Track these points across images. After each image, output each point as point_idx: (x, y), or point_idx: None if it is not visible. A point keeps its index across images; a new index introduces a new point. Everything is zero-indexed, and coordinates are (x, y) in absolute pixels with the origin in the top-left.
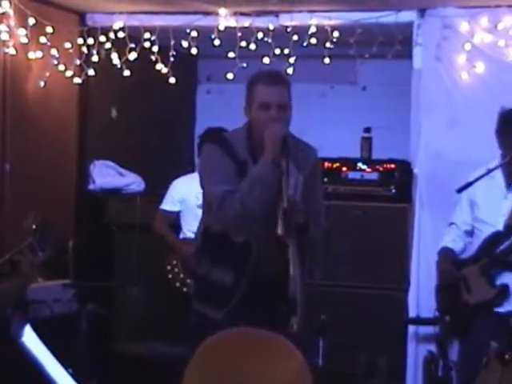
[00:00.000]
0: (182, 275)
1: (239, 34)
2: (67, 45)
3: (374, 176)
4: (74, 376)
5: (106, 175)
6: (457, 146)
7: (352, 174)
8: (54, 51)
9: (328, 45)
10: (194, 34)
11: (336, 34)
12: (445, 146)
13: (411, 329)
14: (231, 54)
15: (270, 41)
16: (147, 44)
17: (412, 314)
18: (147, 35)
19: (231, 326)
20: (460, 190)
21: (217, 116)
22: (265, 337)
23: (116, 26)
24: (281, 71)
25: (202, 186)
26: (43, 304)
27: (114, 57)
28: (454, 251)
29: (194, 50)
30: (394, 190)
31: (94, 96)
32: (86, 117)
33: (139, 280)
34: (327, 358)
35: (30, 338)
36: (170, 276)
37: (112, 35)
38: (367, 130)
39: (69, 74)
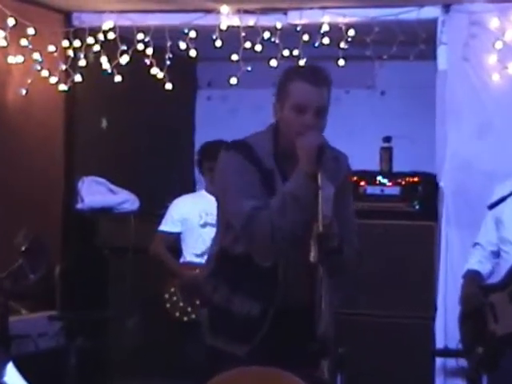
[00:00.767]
0: (181, 303)
1: (243, 34)
2: (51, 48)
3: (396, 191)
4: None
5: (95, 193)
6: (487, 156)
7: (371, 189)
8: (36, 55)
9: (342, 45)
10: (192, 34)
11: (351, 32)
12: (474, 156)
13: (438, 361)
14: (234, 57)
15: (277, 41)
16: (141, 46)
17: (439, 344)
18: (140, 36)
19: (255, 364)
20: (492, 207)
21: (219, 126)
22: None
23: (106, 26)
24: (324, 68)
25: (219, 201)
26: (27, 338)
27: (104, 61)
28: (480, 274)
29: (192, 53)
30: (417, 206)
31: (81, 105)
32: (73, 128)
33: (134, 310)
34: None
35: (12, 377)
36: (168, 305)
37: (101, 36)
38: (387, 139)
39: (53, 80)
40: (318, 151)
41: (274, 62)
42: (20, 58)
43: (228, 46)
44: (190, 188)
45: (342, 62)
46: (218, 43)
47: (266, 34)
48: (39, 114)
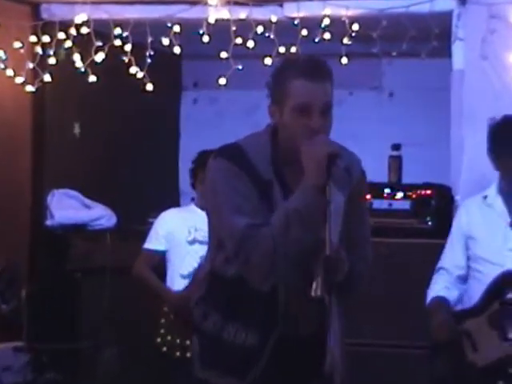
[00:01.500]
0: (169, 337)
1: (234, 29)
2: (17, 44)
3: (406, 205)
4: None
5: (67, 207)
6: None
7: (377, 203)
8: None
9: (346, 41)
10: (176, 28)
11: (356, 27)
12: None
13: None
14: (224, 54)
15: (272, 36)
16: (118, 42)
17: None
18: (118, 31)
19: None
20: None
21: (206, 131)
22: None
23: (78, 19)
24: (324, 60)
25: (210, 217)
26: None
27: (77, 58)
28: (448, 301)
29: (176, 49)
30: (430, 223)
31: (51, 108)
32: (41, 134)
33: (111, 339)
34: None
35: None
36: (158, 340)
37: (73, 31)
38: (396, 147)
39: (19, 80)
40: (328, 160)
41: (268, 60)
42: None
43: (217, 41)
44: (175, 201)
45: (345, 60)
46: (206, 39)
47: (260, 29)
48: (4, 118)
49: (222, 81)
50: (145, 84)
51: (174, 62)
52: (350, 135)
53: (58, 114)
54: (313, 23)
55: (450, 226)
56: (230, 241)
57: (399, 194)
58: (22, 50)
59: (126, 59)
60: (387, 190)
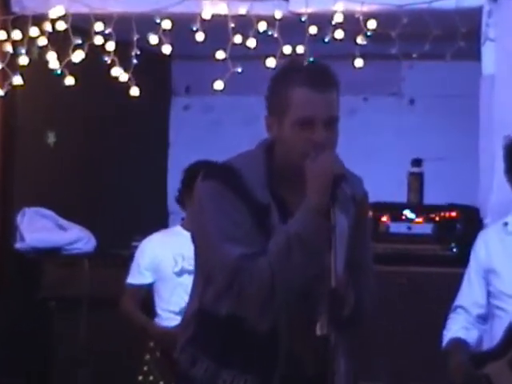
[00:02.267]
0: (151, 377)
1: (232, 26)
2: None
3: (427, 229)
4: None
5: (40, 229)
6: None
7: (395, 227)
8: None
9: (360, 40)
10: (166, 24)
11: (372, 24)
12: None
13: None
14: (220, 54)
15: (276, 35)
16: (99, 39)
17: None
18: (99, 27)
19: None
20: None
21: (200, 143)
22: None
23: (54, 13)
24: (328, 66)
25: (197, 246)
26: None
27: (52, 58)
28: (467, 343)
29: (166, 49)
30: (455, 249)
31: (22, 114)
32: (11, 144)
33: (87, 380)
34: None
35: None
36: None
37: (48, 27)
38: (417, 162)
39: None
40: (333, 180)
41: (271, 62)
42: None
43: (212, 40)
44: (163, 222)
45: (359, 63)
46: (200, 37)
47: (262, 26)
48: None
49: (219, 85)
50: (129, 88)
51: (164, 63)
52: (364, 148)
53: (30, 122)
54: (323, 20)
55: None
56: (220, 273)
57: (420, 217)
58: None
59: (108, 59)
60: (406, 212)
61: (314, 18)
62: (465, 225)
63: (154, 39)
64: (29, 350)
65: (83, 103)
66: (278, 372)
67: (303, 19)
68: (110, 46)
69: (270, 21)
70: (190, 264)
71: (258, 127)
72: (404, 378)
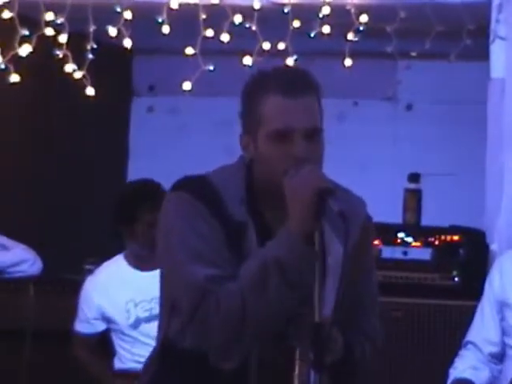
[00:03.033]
0: None
1: (203, 17)
2: None
3: (426, 254)
4: None
5: None
6: None
7: (389, 251)
8: None
9: (351, 36)
10: (127, 15)
11: (364, 18)
12: None
13: None
14: (189, 50)
15: (254, 28)
16: (50, 31)
17: None
18: (50, 16)
19: None
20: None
21: (164, 150)
22: None
23: None
24: (305, 70)
25: (162, 267)
26: None
27: None
28: None
29: (127, 42)
30: (457, 278)
31: None
32: None
33: None
34: None
35: None
36: None
37: None
38: (414, 177)
39: None
40: (317, 197)
41: (248, 60)
42: None
43: (180, 33)
44: (120, 243)
45: (349, 62)
46: (166, 29)
47: (238, 18)
48: None
49: (187, 85)
50: (84, 87)
51: (124, 58)
52: (353, 160)
53: None
54: (308, 12)
55: (482, 283)
56: (184, 297)
57: (417, 240)
58: None
59: (60, 54)
60: (401, 235)
61: (299, 10)
62: (468, 250)
63: (113, 31)
64: None
65: (30, 104)
66: None
67: (286, 11)
68: (63, 38)
69: (248, 12)
70: (145, 310)
71: (231, 133)
72: None
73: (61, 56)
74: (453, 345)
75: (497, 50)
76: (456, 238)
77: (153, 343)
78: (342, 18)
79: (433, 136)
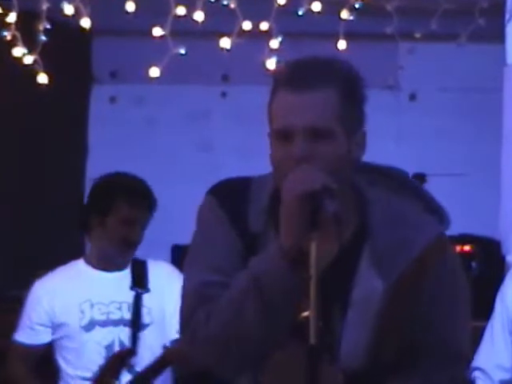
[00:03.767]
0: None
1: None
2: None
3: None
4: None
5: None
6: None
7: None
8: None
9: (345, 15)
10: None
11: None
12: None
13: None
14: (157, 31)
15: (233, 6)
16: None
17: None
18: None
19: None
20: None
21: (129, 145)
22: None
23: None
24: (335, 60)
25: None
26: None
27: None
28: None
29: (85, 22)
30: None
31: None
32: None
33: None
34: None
35: None
36: None
37: None
38: (419, 177)
39: None
40: (305, 202)
41: (226, 42)
42: None
43: (147, 12)
44: (77, 253)
45: (343, 45)
46: (131, 7)
47: None
48: None
49: (155, 71)
50: (36, 73)
51: (83, 40)
52: None
53: None
54: None
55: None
56: (181, 302)
57: None
58: None
59: (7, 35)
60: None
61: None
62: (482, 263)
63: (69, 9)
64: None
65: None
66: None
67: None
68: (11, 17)
69: None
70: (102, 312)
71: (205, 126)
72: None
73: (9, 38)
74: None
75: None
76: (467, 248)
77: (103, 354)
78: None
79: (440, 130)
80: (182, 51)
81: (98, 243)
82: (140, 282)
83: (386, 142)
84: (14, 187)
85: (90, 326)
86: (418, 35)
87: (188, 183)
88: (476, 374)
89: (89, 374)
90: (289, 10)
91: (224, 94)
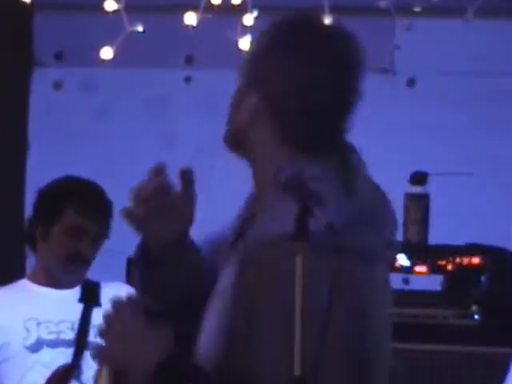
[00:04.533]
0: None
1: None
2: None
3: (435, 283)
4: None
5: None
6: None
7: None
8: None
9: None
10: None
11: None
12: None
13: None
14: (110, 5)
15: None
16: None
17: None
18: None
19: None
20: None
21: (77, 139)
22: None
23: None
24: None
25: None
26: None
27: None
28: None
29: None
30: (477, 316)
31: None
32: None
33: None
34: None
35: None
36: None
37: None
38: (418, 177)
39: None
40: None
41: (191, 18)
42: None
43: None
44: (17, 270)
45: (329, 20)
46: None
47: None
48: None
49: (107, 52)
50: None
51: (22, 16)
52: None
53: None
54: None
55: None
56: None
57: (423, 264)
58: None
59: None
60: (401, 257)
61: None
62: (492, 277)
63: None
64: None
65: None
66: None
67: None
68: None
69: None
70: (50, 331)
71: (166, 116)
72: None
73: None
74: None
75: None
76: (475, 260)
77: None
78: None
79: (442, 122)
80: (139, 29)
81: (42, 259)
82: (90, 296)
83: (380, 135)
84: None
85: (37, 347)
86: (417, 9)
87: None
88: None
89: None
90: None
91: (188, 79)
